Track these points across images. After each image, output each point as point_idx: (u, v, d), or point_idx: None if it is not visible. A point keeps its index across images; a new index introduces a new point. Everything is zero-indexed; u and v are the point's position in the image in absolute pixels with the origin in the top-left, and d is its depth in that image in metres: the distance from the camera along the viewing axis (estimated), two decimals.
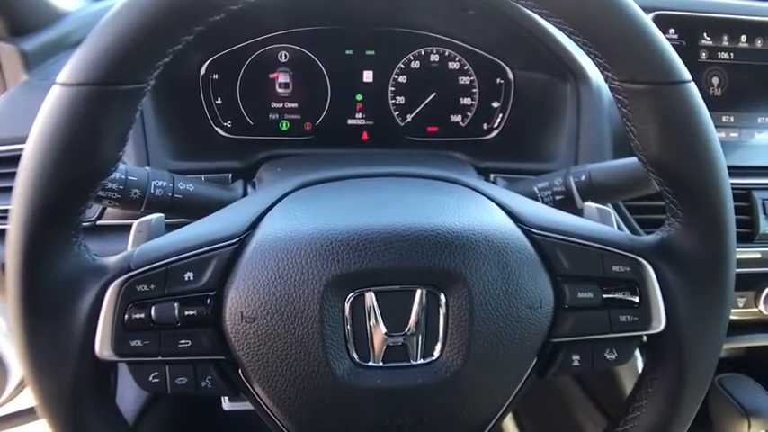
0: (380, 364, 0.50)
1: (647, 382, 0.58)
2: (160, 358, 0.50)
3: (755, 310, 0.95)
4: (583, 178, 0.73)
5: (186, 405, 1.29)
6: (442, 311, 0.50)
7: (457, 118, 1.02)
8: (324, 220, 0.51)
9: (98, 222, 0.81)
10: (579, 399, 1.09)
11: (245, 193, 0.77)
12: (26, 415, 1.01)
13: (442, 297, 0.50)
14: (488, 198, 0.57)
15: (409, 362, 0.50)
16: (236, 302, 0.49)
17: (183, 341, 0.50)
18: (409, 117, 1.02)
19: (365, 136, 1.02)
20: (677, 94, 0.49)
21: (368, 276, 0.49)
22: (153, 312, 0.49)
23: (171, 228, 0.55)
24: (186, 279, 0.49)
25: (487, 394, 0.52)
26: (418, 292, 0.50)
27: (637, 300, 0.54)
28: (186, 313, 0.49)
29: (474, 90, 1.01)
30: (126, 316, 0.49)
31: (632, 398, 0.59)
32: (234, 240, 0.51)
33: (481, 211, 0.54)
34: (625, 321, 0.54)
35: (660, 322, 0.54)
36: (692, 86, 0.50)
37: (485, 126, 1.03)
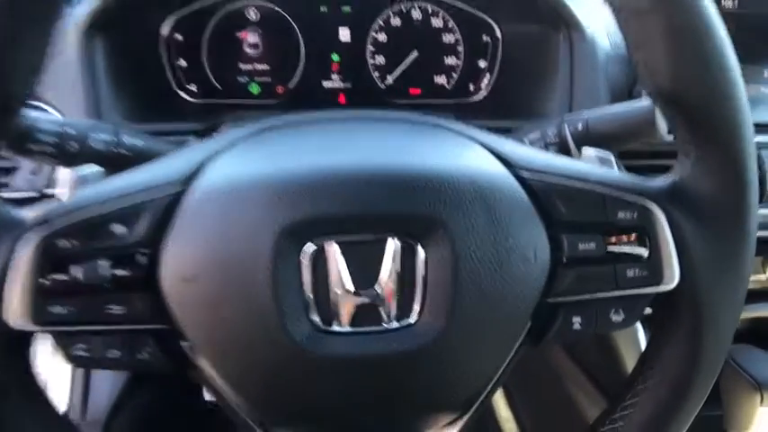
0: (347, 328, 0.43)
1: (655, 350, 0.51)
2: (87, 327, 0.42)
3: (763, 278, 0.89)
4: (579, 126, 0.66)
5: (165, 398, 1.23)
6: (419, 266, 0.43)
7: (441, 79, 0.96)
8: (279, 161, 0.44)
9: (46, 191, 0.74)
10: (575, 376, 1.03)
11: None
12: None
13: (420, 249, 0.43)
14: (473, 140, 0.50)
15: (381, 326, 0.43)
16: (175, 260, 0.42)
17: (113, 307, 0.42)
18: (390, 78, 0.95)
19: (342, 99, 0.96)
20: (688, 8, 0.43)
21: (329, 224, 0.41)
22: (77, 273, 0.41)
23: None
24: (116, 233, 0.42)
25: (474, 364, 0.45)
26: (390, 242, 0.42)
27: (646, 252, 0.47)
28: (116, 273, 0.42)
29: (459, 49, 0.95)
30: (45, 277, 0.41)
31: (640, 367, 0.52)
32: (173, 188, 0.44)
33: (465, 151, 0.47)
34: (633, 277, 0.47)
35: (673, 277, 0.47)
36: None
37: (471, 87, 0.97)
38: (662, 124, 0.62)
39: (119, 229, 0.42)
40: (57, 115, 0.74)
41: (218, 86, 0.92)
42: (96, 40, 0.78)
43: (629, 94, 0.82)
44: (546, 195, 0.46)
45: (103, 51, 0.79)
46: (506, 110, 0.91)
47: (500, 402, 1.25)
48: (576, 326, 0.48)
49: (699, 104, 0.45)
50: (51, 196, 0.73)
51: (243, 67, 0.92)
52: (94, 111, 0.75)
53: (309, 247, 0.42)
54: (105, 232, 0.42)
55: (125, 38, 0.81)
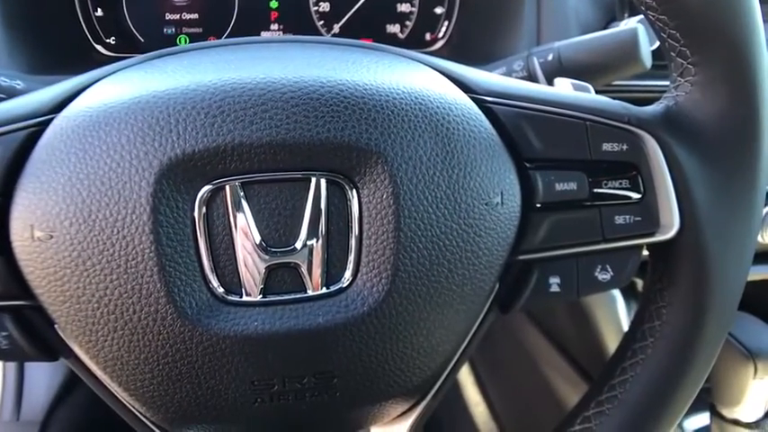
0: (258, 297, 0.33)
1: (650, 316, 0.42)
2: None
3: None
4: (550, 58, 0.57)
5: None
6: (351, 212, 0.33)
7: (394, 28, 0.87)
8: (165, 82, 0.33)
9: None
10: (548, 354, 0.95)
11: None
12: None
13: (352, 191, 0.33)
14: (421, 62, 0.40)
15: (304, 292, 0.33)
16: (28, 213, 0.32)
17: None
18: (336, 27, 0.86)
19: None
20: None
21: (230, 156, 0.32)
22: None
23: None
24: None
25: (427, 338, 0.36)
26: (313, 182, 0.33)
27: (637, 194, 0.38)
28: None
29: None
30: None
31: (631, 337, 0.43)
32: (32, 121, 0.33)
33: (411, 72, 0.37)
34: (623, 224, 0.39)
35: (672, 224, 0.39)
36: None
37: (428, 36, 0.88)
38: (645, 48, 0.53)
39: None
40: None
41: (141, 39, 0.82)
42: None
43: None
44: (514, 124, 0.37)
45: None
46: (468, 61, 0.82)
47: (468, 384, 1.16)
48: (554, 288, 0.39)
49: (702, 6, 0.36)
50: None
51: (169, 16, 0.82)
52: None
53: (204, 191, 0.32)
54: None
55: None
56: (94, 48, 0.81)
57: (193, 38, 0.83)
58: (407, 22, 0.86)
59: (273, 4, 0.84)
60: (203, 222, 0.32)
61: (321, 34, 0.85)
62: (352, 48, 0.41)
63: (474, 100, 0.37)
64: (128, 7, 0.80)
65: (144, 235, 0.30)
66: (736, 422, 0.73)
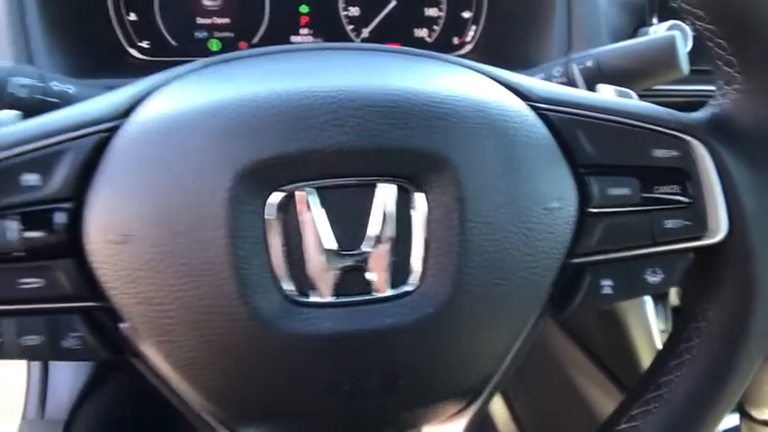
0: (328, 299, 0.34)
1: (695, 319, 0.43)
2: None
3: None
4: (589, 64, 0.57)
5: (134, 390, 1.13)
6: (418, 216, 0.34)
7: (422, 32, 0.87)
8: (235, 88, 0.34)
9: None
10: (576, 360, 0.94)
11: None
12: None
13: (419, 195, 0.34)
14: (477, 71, 0.41)
15: (371, 294, 0.34)
16: (101, 216, 0.33)
17: (27, 280, 0.33)
18: (365, 32, 0.86)
19: None
20: None
21: (302, 163, 0.32)
22: None
23: None
24: (27, 184, 0.33)
25: (486, 340, 0.37)
26: (381, 187, 0.34)
27: (687, 199, 0.39)
28: (30, 236, 0.33)
29: None
30: None
31: (675, 340, 0.44)
32: (102, 126, 0.34)
33: (469, 80, 0.38)
34: (673, 228, 0.39)
35: (719, 228, 0.40)
36: None
37: (456, 41, 0.88)
38: (683, 53, 0.54)
39: (31, 178, 0.33)
40: None
41: (173, 43, 0.83)
42: None
43: None
44: (569, 131, 0.38)
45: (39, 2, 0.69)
46: (495, 65, 0.83)
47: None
48: (606, 290, 0.40)
49: (747, 10, 0.37)
50: None
51: (201, 21, 0.83)
52: (25, 63, 0.64)
53: (276, 196, 0.33)
54: (13, 184, 0.33)
55: None
56: (128, 52, 0.81)
57: (224, 42, 0.83)
58: (435, 27, 0.87)
59: (304, 9, 0.84)
60: (277, 227, 0.33)
61: (351, 39, 0.85)
62: (412, 56, 0.42)
63: (531, 107, 0.38)
64: (160, 11, 0.81)
65: (219, 239, 0.31)
66: (767, 423, 0.74)
